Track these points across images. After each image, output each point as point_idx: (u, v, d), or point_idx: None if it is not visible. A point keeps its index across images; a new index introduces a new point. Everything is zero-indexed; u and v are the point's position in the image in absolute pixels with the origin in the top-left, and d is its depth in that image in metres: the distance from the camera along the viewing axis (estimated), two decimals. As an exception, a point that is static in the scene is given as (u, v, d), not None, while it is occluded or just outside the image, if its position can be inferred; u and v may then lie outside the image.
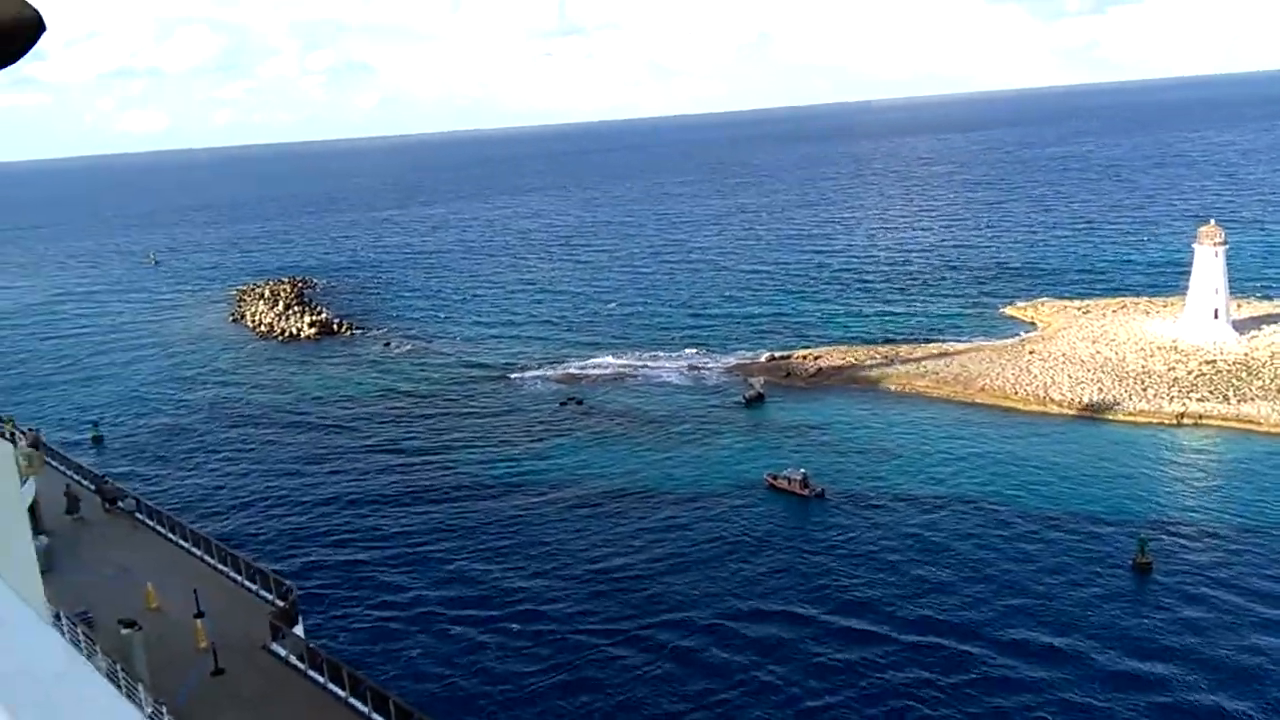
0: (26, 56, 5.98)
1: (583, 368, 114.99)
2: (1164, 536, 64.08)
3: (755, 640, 55.00)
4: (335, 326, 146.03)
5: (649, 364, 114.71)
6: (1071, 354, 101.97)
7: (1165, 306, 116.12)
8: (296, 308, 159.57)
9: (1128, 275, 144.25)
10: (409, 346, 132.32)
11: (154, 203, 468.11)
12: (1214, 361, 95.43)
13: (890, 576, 61.51)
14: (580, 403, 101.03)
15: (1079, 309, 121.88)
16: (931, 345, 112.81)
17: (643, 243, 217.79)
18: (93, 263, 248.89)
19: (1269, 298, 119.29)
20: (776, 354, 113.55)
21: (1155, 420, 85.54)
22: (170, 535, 49.49)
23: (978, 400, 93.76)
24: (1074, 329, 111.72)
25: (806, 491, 73.62)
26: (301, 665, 37.19)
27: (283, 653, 38.02)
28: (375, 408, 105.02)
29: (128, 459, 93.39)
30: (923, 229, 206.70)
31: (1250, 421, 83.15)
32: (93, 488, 55.97)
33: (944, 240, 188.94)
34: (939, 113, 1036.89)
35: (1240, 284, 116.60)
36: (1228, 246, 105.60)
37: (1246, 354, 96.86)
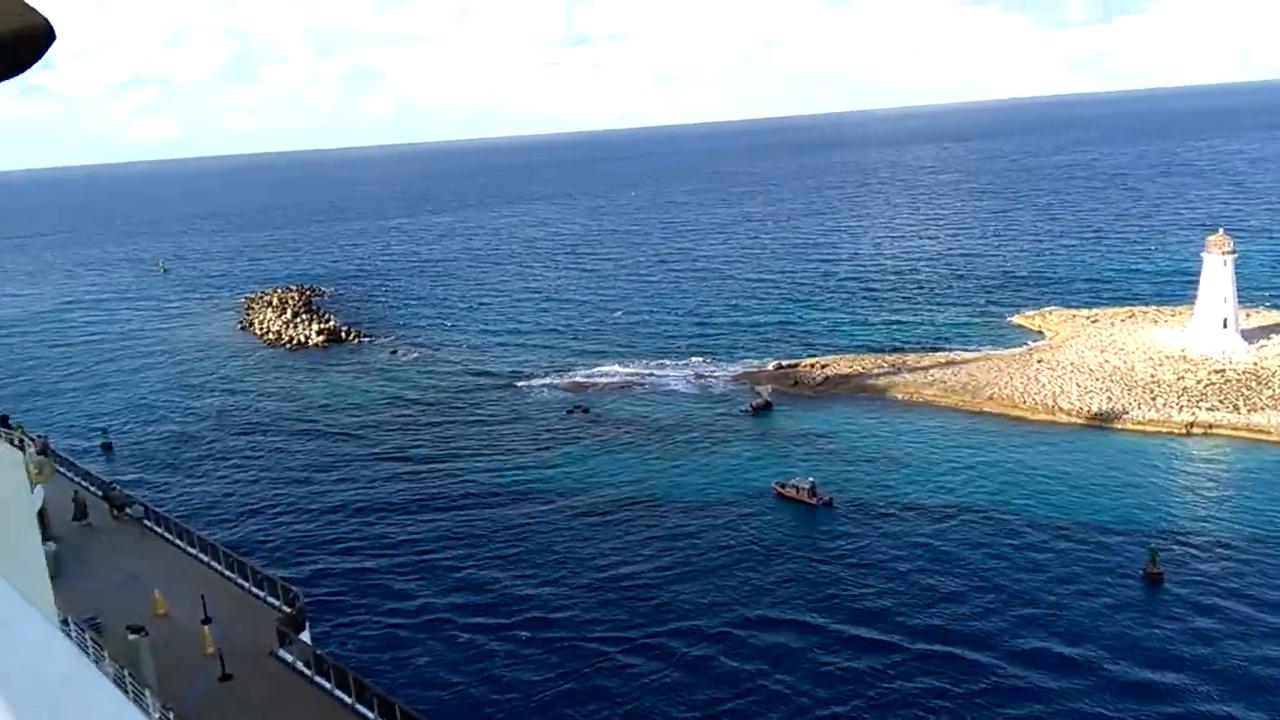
0: (35, 65, 5.94)
1: (589, 376, 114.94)
2: (1175, 546, 63.73)
3: (764, 649, 54.77)
4: (343, 334, 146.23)
5: (655, 372, 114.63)
6: (1080, 363, 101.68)
7: (1173, 315, 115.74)
8: (304, 315, 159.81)
9: (1136, 284, 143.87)
10: (416, 354, 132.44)
11: (162, 211, 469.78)
12: (1223, 371, 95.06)
13: (899, 585, 61.25)
14: (587, 411, 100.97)
15: (1087, 318, 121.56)
16: (939, 354, 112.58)
17: (649, 251, 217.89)
18: (101, 270, 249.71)
19: (1278, 307, 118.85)
20: (784, 362, 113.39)
21: (1164, 429, 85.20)
22: (178, 542, 49.54)
23: (986, 409, 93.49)
24: (1082, 338, 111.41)
25: (815, 500, 73.41)
26: (309, 672, 37.15)
27: (290, 659, 37.98)
28: (382, 415, 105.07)
29: (136, 466, 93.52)
30: (929, 237, 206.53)
31: (1260, 431, 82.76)
32: (101, 494, 56.05)
33: (951, 249, 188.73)
34: (945, 121, 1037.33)
35: (1249, 293, 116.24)
36: (1236, 255, 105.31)
37: (1256, 363, 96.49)
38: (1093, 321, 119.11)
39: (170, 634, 39.16)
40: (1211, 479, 76.28)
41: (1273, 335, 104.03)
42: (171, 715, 30.59)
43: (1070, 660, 52.00)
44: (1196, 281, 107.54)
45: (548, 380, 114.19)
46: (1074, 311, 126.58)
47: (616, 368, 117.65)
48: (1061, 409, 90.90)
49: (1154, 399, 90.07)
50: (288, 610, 41.22)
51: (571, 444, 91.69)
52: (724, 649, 55.01)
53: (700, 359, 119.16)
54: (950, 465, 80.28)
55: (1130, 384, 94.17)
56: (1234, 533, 65.89)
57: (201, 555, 47.50)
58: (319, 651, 39.07)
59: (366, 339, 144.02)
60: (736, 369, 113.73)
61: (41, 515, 43.51)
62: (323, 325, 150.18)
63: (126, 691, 29.00)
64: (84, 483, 58.21)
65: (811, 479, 75.20)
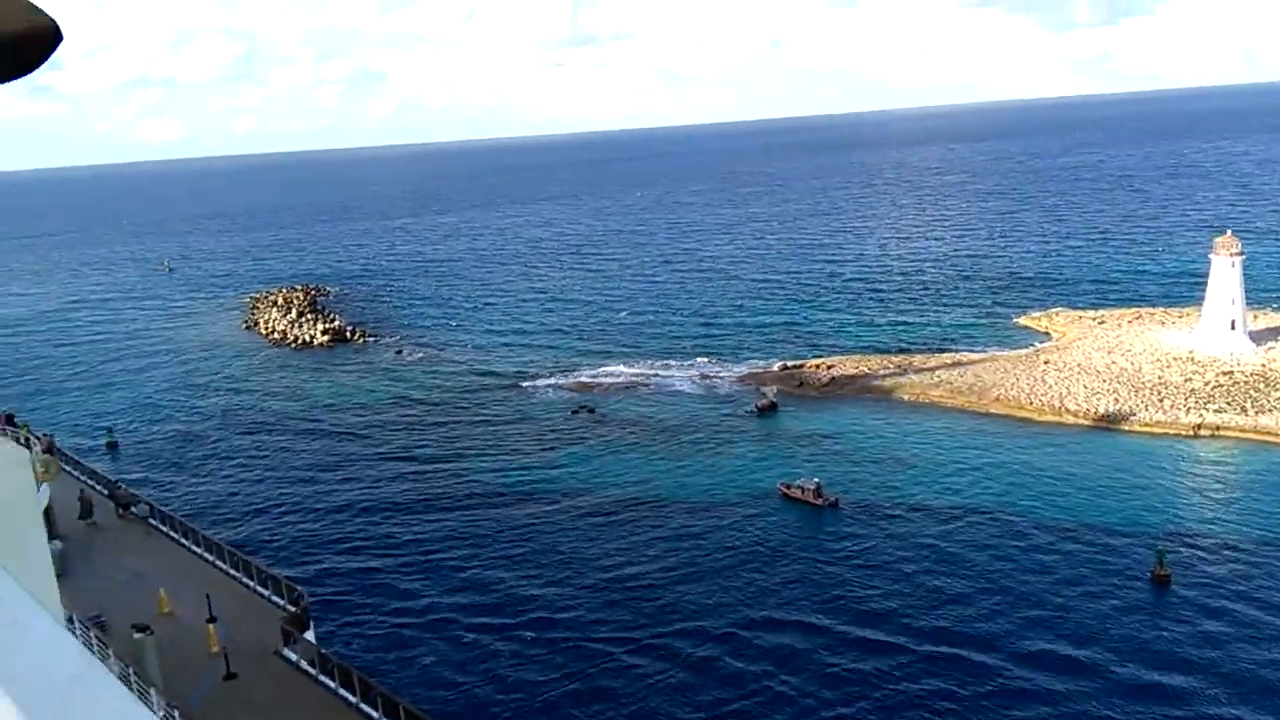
0: (43, 66, 5.88)
1: (594, 376, 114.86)
2: (1182, 549, 63.46)
3: (769, 650, 54.62)
4: (348, 334, 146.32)
5: (661, 373, 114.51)
6: (1087, 364, 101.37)
7: (1181, 317, 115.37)
8: (309, 315, 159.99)
9: (1142, 285, 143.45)
10: (421, 354, 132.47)
11: (168, 211, 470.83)
12: (1231, 373, 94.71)
13: (905, 587, 61.05)
14: (592, 411, 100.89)
15: (1094, 319, 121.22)
16: (945, 355, 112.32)
17: (654, 251, 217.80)
18: (107, 270, 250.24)
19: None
20: (789, 363, 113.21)
21: (1172, 431, 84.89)
22: (183, 541, 49.57)
23: (992, 410, 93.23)
24: (1089, 339, 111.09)
25: (820, 501, 73.24)
26: (313, 670, 37.11)
27: (294, 658, 37.94)
28: (387, 415, 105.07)
29: (141, 465, 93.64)
30: (935, 238, 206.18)
31: (1268, 433, 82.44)
32: (106, 493, 56.13)
33: (957, 250, 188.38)
34: (951, 121, 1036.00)
35: (1256, 295, 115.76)
36: (1244, 257, 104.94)
37: (1264, 365, 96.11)
38: (1100, 323, 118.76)
39: (175, 633, 39.16)
40: (1219, 481, 75.98)
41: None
42: (176, 714, 30.53)
43: (1077, 662, 51.78)
44: (1204, 283, 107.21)
45: (553, 380, 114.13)
46: (1081, 313, 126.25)
47: (621, 368, 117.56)
48: (1068, 410, 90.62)
49: (1161, 400, 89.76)
50: (292, 609, 41.20)
51: (576, 444, 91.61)
52: (729, 650, 54.88)
53: (705, 359, 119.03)
54: (956, 466, 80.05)
55: (1137, 385, 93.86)
56: (1242, 535, 65.59)
57: (206, 554, 47.51)
58: (323, 651, 39.03)
59: (371, 339, 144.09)
60: (742, 369, 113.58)
61: (47, 514, 43.45)
62: (328, 325, 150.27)
63: (131, 690, 28.92)
64: (90, 482, 58.30)
65: (817, 480, 75.03)
